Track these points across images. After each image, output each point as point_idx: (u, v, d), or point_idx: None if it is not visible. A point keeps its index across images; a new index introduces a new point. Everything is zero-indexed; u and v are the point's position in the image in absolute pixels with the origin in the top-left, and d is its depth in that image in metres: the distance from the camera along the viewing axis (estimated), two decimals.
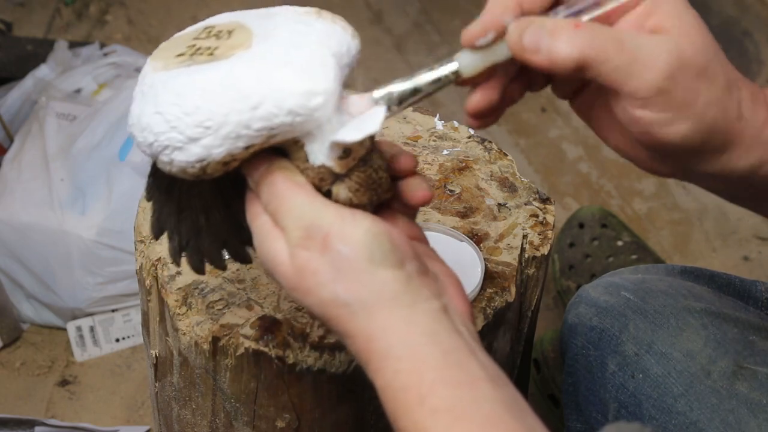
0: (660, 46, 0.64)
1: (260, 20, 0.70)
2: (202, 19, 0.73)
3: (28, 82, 1.67)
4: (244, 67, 0.66)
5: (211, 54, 0.68)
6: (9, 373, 1.49)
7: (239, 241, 0.76)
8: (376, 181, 0.70)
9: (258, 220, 0.69)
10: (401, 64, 2.02)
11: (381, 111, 0.67)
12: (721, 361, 0.91)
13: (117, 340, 1.51)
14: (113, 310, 1.51)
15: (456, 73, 0.69)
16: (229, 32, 0.69)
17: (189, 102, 0.66)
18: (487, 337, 0.94)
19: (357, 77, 1.97)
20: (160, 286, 0.93)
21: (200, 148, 0.66)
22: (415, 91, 0.69)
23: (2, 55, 1.87)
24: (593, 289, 1.03)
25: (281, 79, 0.66)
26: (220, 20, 0.71)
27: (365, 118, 0.67)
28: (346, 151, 0.68)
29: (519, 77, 0.71)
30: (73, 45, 1.79)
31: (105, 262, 1.45)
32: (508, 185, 1.05)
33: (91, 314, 1.50)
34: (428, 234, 0.98)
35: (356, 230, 0.66)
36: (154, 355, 0.98)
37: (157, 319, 0.95)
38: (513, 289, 0.95)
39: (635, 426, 0.68)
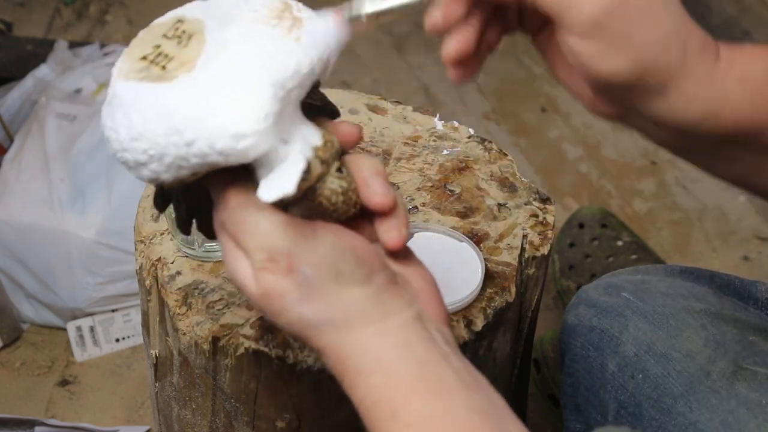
0: None
1: (221, 22, 0.65)
2: None
3: (28, 82, 1.67)
4: (181, 98, 0.63)
5: (164, 68, 0.64)
6: (9, 373, 1.49)
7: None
8: (327, 209, 0.66)
9: (221, 236, 0.67)
10: (401, 63, 2.02)
11: (297, 168, 0.64)
12: (720, 362, 0.91)
13: (117, 340, 1.51)
14: (113, 310, 1.51)
15: None
16: (189, 37, 0.64)
17: (134, 127, 0.63)
18: (487, 337, 0.94)
19: (357, 77, 1.98)
20: (160, 286, 0.93)
21: (149, 171, 0.64)
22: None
23: (2, 55, 1.87)
24: (593, 289, 1.02)
25: (212, 118, 0.62)
26: (191, 12, 0.66)
27: (282, 174, 0.64)
28: None
29: (493, 20, 0.69)
30: (73, 45, 1.79)
31: (105, 262, 1.45)
32: (508, 185, 1.05)
33: (91, 314, 1.50)
34: (428, 234, 0.99)
35: (319, 249, 0.64)
36: (154, 355, 0.98)
37: (157, 319, 0.95)
38: (513, 289, 0.95)
39: (624, 430, 0.68)
